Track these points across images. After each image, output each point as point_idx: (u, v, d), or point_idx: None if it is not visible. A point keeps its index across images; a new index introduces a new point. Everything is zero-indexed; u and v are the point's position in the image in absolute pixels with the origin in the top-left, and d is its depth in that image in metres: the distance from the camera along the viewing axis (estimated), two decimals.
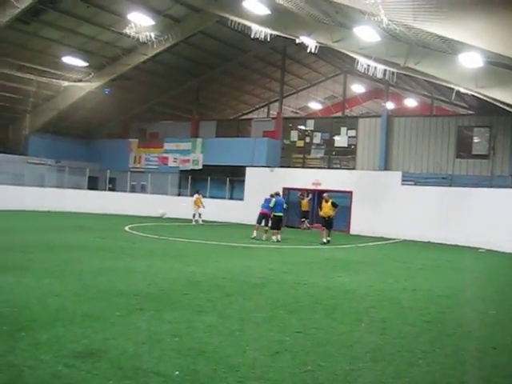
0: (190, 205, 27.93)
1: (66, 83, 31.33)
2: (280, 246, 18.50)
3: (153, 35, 26.52)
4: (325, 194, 21.04)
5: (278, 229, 19.92)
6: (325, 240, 19.91)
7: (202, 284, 9.48)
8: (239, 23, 24.04)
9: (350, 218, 27.66)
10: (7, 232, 17.50)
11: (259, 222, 20.55)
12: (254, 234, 20.10)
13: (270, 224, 20.36)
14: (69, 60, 29.27)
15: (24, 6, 23.14)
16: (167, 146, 35.46)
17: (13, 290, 7.98)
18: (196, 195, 28.02)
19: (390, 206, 26.32)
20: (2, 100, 31.85)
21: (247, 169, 31.05)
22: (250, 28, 23.26)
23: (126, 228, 21.52)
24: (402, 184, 26.78)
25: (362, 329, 7.04)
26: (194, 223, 27.12)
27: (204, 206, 27.64)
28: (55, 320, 6.36)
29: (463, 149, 28.33)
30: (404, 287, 10.65)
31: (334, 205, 20.09)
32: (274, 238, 19.63)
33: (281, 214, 20.10)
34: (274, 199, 20.17)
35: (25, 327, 5.95)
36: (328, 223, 20.16)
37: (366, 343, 6.32)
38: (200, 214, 27.56)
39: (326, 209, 20.07)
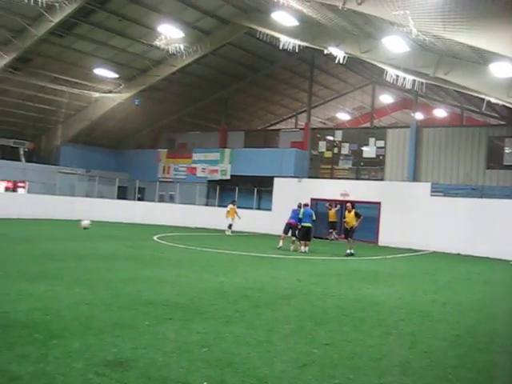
0: (224, 215, 27.62)
1: (97, 94, 31.91)
2: (308, 257, 18.43)
3: (182, 47, 26.90)
4: (348, 204, 20.79)
5: (308, 240, 19.83)
6: (350, 251, 19.47)
7: (230, 294, 9.51)
8: (268, 34, 24.23)
9: (378, 229, 27.43)
10: (39, 240, 17.84)
11: (285, 231, 20.61)
12: (281, 243, 20.12)
13: (296, 234, 20.40)
14: (100, 72, 29.86)
15: (58, 19, 23.70)
16: (196, 156, 35.73)
17: (44, 298, 8.13)
18: (230, 205, 27.63)
19: (418, 218, 26.01)
20: (36, 111, 32.55)
21: (275, 179, 31.06)
22: (278, 39, 23.43)
23: (155, 237, 21.71)
24: (432, 195, 26.47)
25: (391, 342, 6.97)
26: (230, 233, 26.81)
27: (240, 217, 27.16)
28: (86, 328, 6.45)
29: (494, 159, 27.89)
30: (433, 300, 10.51)
31: (357, 215, 19.81)
32: (302, 248, 19.57)
33: (309, 225, 19.96)
34: (302, 210, 20.13)
35: (57, 335, 6.06)
36: (349, 233, 19.89)
37: (395, 357, 6.26)
38: (231, 225, 27.28)
39: (349, 219, 19.85)
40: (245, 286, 10.53)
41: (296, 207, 20.98)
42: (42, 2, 20.74)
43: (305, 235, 19.79)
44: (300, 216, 19.94)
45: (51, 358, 5.24)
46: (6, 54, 26.02)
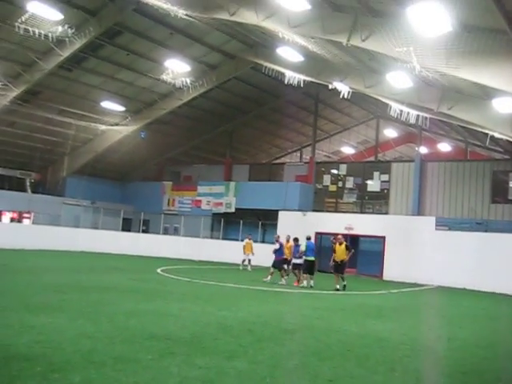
0: (241, 250, 26.83)
1: (103, 127, 32.21)
2: (312, 291, 18.29)
3: (188, 81, 27.29)
4: (339, 236, 19.53)
5: (312, 273, 19.52)
6: (338, 286, 18.48)
7: (233, 329, 9.42)
8: (273, 69, 24.55)
9: (382, 264, 27.28)
10: (42, 271, 17.79)
11: (278, 267, 20.11)
12: (283, 280, 19.60)
13: (287, 267, 20.26)
14: (107, 105, 30.25)
15: (67, 54, 24.14)
16: (200, 189, 35.85)
17: (46, 330, 8.07)
18: (246, 240, 26.91)
19: (423, 252, 25.89)
20: (43, 143, 32.90)
21: (280, 213, 31.06)
22: (283, 74, 23.73)
23: (159, 270, 21.62)
24: (436, 229, 26.39)
25: (396, 379, 6.87)
26: (241, 268, 26.15)
27: (253, 253, 26.29)
28: (88, 362, 6.39)
29: (499, 194, 27.91)
30: (439, 336, 10.39)
31: (347, 248, 18.79)
32: (305, 282, 19.28)
33: (313, 259, 19.62)
34: (305, 243, 19.80)
35: (58, 368, 5.99)
36: (341, 268, 18.64)
37: None
38: (250, 260, 26.29)
39: (340, 252, 18.54)
40: (248, 320, 10.44)
41: (281, 240, 20.80)
42: (52, 37, 21.22)
43: (309, 269, 19.50)
44: (303, 249, 19.53)
45: None
46: (16, 86, 26.41)
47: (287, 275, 20.17)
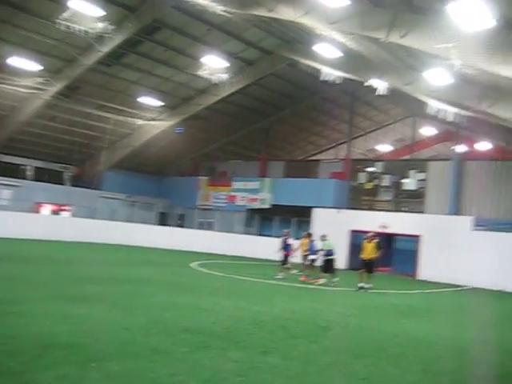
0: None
1: (140, 122, 32.65)
2: (345, 289, 18.16)
3: (225, 77, 27.41)
4: (369, 234, 18.34)
5: (333, 272, 18.70)
6: (361, 284, 17.47)
7: (266, 324, 9.48)
8: (310, 66, 24.47)
9: (417, 263, 26.94)
10: (80, 263, 18.20)
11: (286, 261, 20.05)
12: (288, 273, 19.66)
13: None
14: (145, 100, 30.63)
15: (106, 50, 24.55)
16: (235, 184, 36.00)
17: (85, 320, 8.29)
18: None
19: (459, 252, 25.44)
20: (81, 137, 33.49)
21: (314, 210, 30.96)
22: (319, 70, 23.63)
23: (193, 264, 21.85)
24: (474, 229, 25.91)
25: (430, 379, 6.82)
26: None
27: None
28: (124, 352, 6.54)
29: None
30: (473, 338, 10.24)
31: (378, 246, 17.66)
32: (321, 281, 18.52)
33: (333, 257, 18.76)
34: (327, 241, 18.93)
35: (96, 358, 6.16)
36: (369, 266, 17.66)
37: None
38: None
39: (369, 250, 17.55)
40: (282, 317, 10.48)
41: (285, 235, 20.51)
42: (92, 34, 21.64)
43: (331, 267, 18.63)
44: (324, 248, 18.73)
45: (89, 381, 5.32)
46: (57, 81, 27.00)
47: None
